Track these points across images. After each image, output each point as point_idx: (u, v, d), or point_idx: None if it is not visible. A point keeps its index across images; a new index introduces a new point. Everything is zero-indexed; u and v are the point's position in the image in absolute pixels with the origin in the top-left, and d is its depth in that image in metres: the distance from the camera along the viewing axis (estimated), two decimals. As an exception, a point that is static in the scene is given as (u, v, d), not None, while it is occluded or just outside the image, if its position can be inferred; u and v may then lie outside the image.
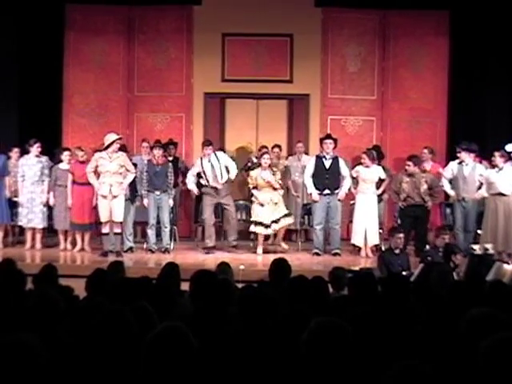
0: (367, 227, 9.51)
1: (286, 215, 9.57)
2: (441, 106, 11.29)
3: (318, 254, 9.51)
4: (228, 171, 9.64)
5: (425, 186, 9.40)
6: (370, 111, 11.36)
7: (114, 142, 9.10)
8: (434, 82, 11.29)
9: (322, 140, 9.78)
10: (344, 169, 9.62)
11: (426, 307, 3.99)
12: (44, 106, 10.94)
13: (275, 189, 9.55)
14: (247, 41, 11.35)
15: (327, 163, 9.59)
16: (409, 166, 9.42)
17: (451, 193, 9.64)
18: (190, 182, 9.75)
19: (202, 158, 9.69)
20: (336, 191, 9.55)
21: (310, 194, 9.67)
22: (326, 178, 9.50)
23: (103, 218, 9.14)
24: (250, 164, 10.41)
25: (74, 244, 9.66)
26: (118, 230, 9.21)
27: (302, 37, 11.20)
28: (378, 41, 11.35)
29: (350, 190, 9.74)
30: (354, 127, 11.37)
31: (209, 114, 11.56)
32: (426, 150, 10.36)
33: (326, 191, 9.51)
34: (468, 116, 10.92)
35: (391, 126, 11.35)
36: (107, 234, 9.21)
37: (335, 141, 9.71)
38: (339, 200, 9.56)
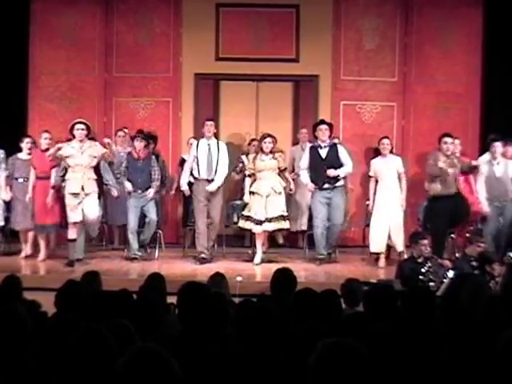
0: (390, 231, 9.49)
1: (283, 217, 9.45)
2: (473, 90, 11.29)
3: (321, 259, 9.49)
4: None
5: (459, 166, 9.33)
6: (390, 95, 11.37)
7: (73, 126, 9.02)
8: (465, 61, 11.30)
9: (314, 126, 9.80)
10: (344, 155, 9.58)
11: (454, 326, 4.01)
12: (7, 89, 10.94)
13: (280, 173, 9.49)
14: (246, 12, 11.35)
15: (323, 152, 9.57)
16: (445, 143, 9.31)
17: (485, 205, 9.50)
18: (184, 178, 9.64)
19: (198, 142, 9.65)
20: (337, 184, 9.51)
21: (306, 184, 9.63)
22: (324, 169, 9.45)
23: (72, 219, 9.02)
24: (241, 165, 10.39)
25: (37, 250, 9.62)
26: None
27: (309, 8, 11.21)
28: (399, 12, 11.35)
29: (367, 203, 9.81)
30: (370, 114, 11.38)
31: (200, 98, 11.56)
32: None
33: (326, 185, 9.48)
34: (505, 101, 10.92)
35: (415, 112, 11.36)
36: (74, 241, 9.10)
37: (331, 126, 9.73)
38: (335, 179, 9.40)
